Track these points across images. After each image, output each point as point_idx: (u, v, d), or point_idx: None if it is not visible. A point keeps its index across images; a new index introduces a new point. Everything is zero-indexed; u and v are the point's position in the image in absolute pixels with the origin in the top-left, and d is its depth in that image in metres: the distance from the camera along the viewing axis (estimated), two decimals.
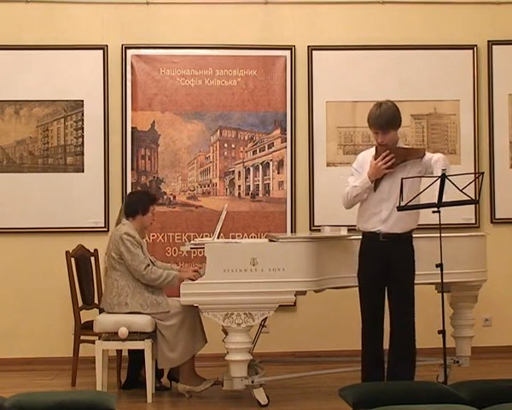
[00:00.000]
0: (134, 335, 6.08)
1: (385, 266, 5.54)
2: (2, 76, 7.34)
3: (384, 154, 5.50)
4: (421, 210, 5.58)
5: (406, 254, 5.61)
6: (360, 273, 5.68)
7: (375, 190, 5.57)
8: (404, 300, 5.57)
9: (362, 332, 5.69)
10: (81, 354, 6.55)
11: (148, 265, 6.12)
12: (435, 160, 5.51)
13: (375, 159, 5.54)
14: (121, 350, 6.54)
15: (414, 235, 5.88)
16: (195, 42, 7.45)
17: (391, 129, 5.56)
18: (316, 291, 6.09)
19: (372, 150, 5.66)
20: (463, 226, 7.34)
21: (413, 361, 5.60)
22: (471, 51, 7.55)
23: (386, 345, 5.67)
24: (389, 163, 5.49)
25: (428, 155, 5.61)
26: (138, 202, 6.36)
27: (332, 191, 7.29)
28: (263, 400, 5.85)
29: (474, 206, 7.25)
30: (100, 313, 6.55)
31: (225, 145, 7.50)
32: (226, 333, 5.91)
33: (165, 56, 7.43)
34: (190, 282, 5.88)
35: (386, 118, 5.52)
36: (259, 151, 7.52)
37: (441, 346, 5.42)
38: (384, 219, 5.55)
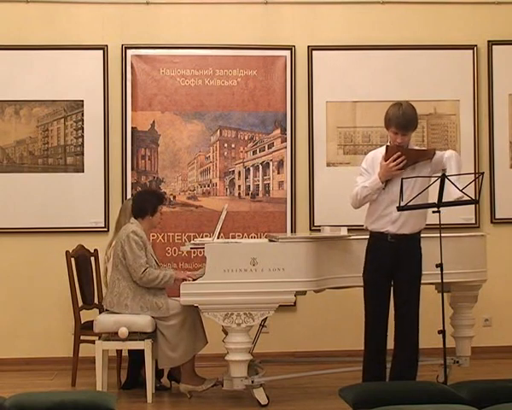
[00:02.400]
0: (134, 335, 6.08)
1: (392, 265, 5.51)
2: (2, 76, 7.34)
3: (396, 155, 5.43)
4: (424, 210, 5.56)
5: (414, 253, 5.57)
6: (366, 272, 5.64)
7: (384, 188, 5.52)
8: (410, 299, 5.53)
9: (365, 331, 5.66)
10: (81, 354, 6.55)
11: (147, 268, 6.11)
12: (447, 157, 5.46)
13: (386, 159, 5.46)
14: (121, 350, 6.54)
15: None
16: (195, 42, 7.45)
17: (412, 130, 5.50)
18: (316, 291, 6.09)
19: (382, 150, 5.58)
20: (463, 226, 7.34)
21: (416, 362, 5.58)
22: (471, 51, 7.55)
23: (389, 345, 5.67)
24: (401, 164, 5.42)
25: (438, 153, 5.57)
26: (147, 203, 6.35)
27: (332, 191, 7.32)
28: (263, 400, 5.85)
29: (474, 206, 7.25)
30: (100, 313, 6.56)
31: (225, 145, 7.50)
32: (226, 333, 5.91)
33: (165, 56, 7.43)
34: (190, 282, 5.88)
35: (410, 118, 5.43)
36: (259, 151, 7.52)
37: (441, 346, 5.41)
38: (394, 220, 5.50)
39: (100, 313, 6.56)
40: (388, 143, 5.57)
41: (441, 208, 5.41)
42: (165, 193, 7.37)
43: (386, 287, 5.57)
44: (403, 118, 5.41)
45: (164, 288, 6.19)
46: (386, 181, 5.49)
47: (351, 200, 5.62)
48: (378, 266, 5.56)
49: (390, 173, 5.45)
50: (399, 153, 5.43)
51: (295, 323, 7.41)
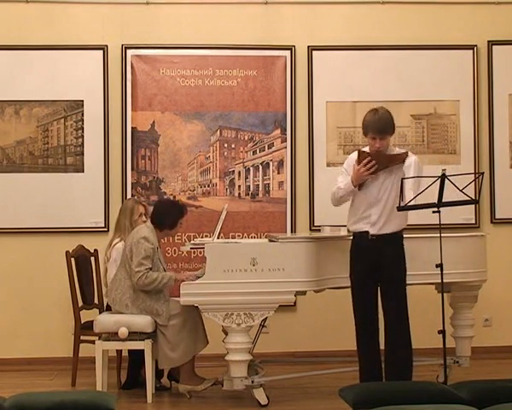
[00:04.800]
0: (134, 335, 6.08)
1: (376, 264, 5.55)
2: (2, 76, 7.34)
3: (365, 161, 5.52)
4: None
5: (397, 251, 5.61)
6: (352, 273, 5.70)
7: (359, 190, 5.57)
8: (397, 297, 5.56)
9: (356, 331, 5.69)
10: (81, 354, 6.55)
11: (145, 273, 6.05)
12: (407, 166, 5.54)
13: (358, 164, 5.56)
14: (121, 350, 6.54)
15: (414, 235, 5.92)
16: (195, 42, 7.45)
17: (388, 134, 5.58)
18: (316, 291, 6.09)
19: (364, 150, 5.67)
20: (463, 226, 7.34)
21: (411, 362, 5.59)
22: (471, 51, 7.55)
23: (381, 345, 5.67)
24: (371, 169, 5.51)
25: (409, 159, 5.61)
26: (167, 216, 6.25)
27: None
28: (263, 400, 5.85)
29: (474, 206, 7.25)
30: (100, 313, 6.56)
31: (225, 145, 7.50)
32: (226, 333, 5.91)
33: (165, 56, 7.43)
34: (190, 282, 5.88)
35: (385, 122, 5.54)
36: (259, 151, 7.52)
37: (441, 346, 5.42)
38: (373, 222, 5.57)
39: (100, 313, 6.56)
40: (365, 149, 5.63)
41: (441, 208, 5.42)
42: (165, 193, 7.37)
43: (372, 286, 5.61)
44: (379, 122, 5.52)
45: (166, 294, 6.16)
46: (362, 184, 5.57)
47: (330, 199, 5.75)
48: (363, 265, 5.61)
49: (361, 178, 5.56)
50: (369, 158, 5.53)
51: (295, 323, 7.41)
